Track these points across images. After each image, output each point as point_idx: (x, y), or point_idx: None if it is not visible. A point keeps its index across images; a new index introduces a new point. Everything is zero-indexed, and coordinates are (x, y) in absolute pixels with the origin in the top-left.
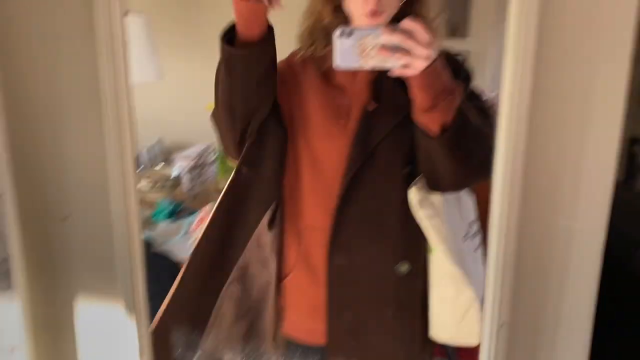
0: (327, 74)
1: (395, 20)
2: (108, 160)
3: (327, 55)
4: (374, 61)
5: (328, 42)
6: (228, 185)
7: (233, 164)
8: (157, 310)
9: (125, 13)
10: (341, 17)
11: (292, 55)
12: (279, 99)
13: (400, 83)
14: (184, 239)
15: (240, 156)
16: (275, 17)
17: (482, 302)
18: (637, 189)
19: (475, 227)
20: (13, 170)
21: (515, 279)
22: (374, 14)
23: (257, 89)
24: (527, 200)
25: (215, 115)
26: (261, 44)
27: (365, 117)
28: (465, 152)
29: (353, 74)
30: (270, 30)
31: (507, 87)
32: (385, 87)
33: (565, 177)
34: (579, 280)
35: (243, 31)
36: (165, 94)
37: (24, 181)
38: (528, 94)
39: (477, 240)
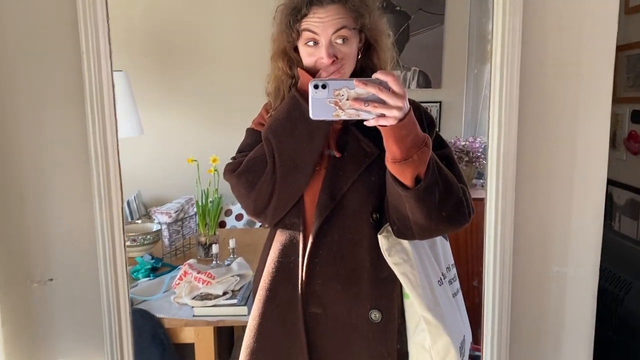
0: None
1: (353, 76)
2: (97, 220)
3: None
4: (348, 112)
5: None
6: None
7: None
8: None
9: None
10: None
11: (266, 108)
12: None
13: (366, 133)
14: (166, 296)
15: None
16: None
17: (465, 347)
18: (617, 229)
19: (453, 272)
20: None
21: (512, 328)
22: (332, 65)
23: None
24: (519, 248)
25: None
26: None
27: (331, 165)
28: (436, 202)
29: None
30: None
31: (494, 137)
32: (351, 137)
33: (555, 222)
34: (575, 325)
35: None
36: (144, 148)
37: (5, 244)
38: (514, 144)
39: (456, 285)
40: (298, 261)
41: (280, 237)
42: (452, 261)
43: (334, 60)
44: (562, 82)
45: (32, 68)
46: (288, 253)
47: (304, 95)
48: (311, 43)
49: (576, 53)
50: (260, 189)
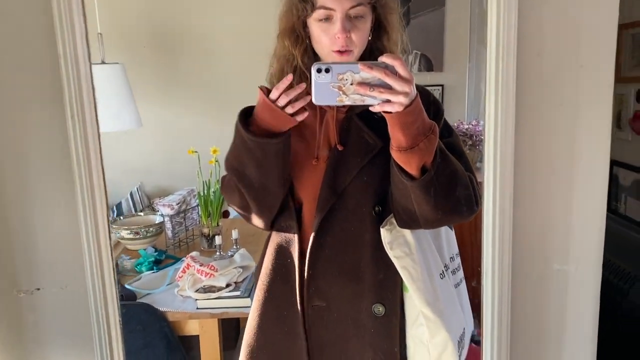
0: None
1: (362, 58)
2: (82, 227)
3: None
4: (353, 98)
5: (298, 83)
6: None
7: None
8: None
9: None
10: (311, 58)
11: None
12: None
13: (369, 124)
14: (169, 289)
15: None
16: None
17: (465, 339)
18: (622, 212)
19: (457, 261)
20: None
21: (512, 329)
22: (343, 52)
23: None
24: (518, 247)
25: (236, 193)
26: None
27: (333, 158)
28: (442, 192)
29: (321, 115)
30: None
31: (490, 126)
32: (354, 128)
33: (556, 219)
34: (578, 324)
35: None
36: (145, 140)
37: None
38: (511, 132)
39: (459, 274)
40: (295, 263)
41: (276, 239)
42: (456, 250)
43: (343, 51)
44: (561, 67)
45: (10, 74)
46: (284, 255)
47: (246, 119)
48: (325, 19)
49: (575, 36)
50: (240, 204)
